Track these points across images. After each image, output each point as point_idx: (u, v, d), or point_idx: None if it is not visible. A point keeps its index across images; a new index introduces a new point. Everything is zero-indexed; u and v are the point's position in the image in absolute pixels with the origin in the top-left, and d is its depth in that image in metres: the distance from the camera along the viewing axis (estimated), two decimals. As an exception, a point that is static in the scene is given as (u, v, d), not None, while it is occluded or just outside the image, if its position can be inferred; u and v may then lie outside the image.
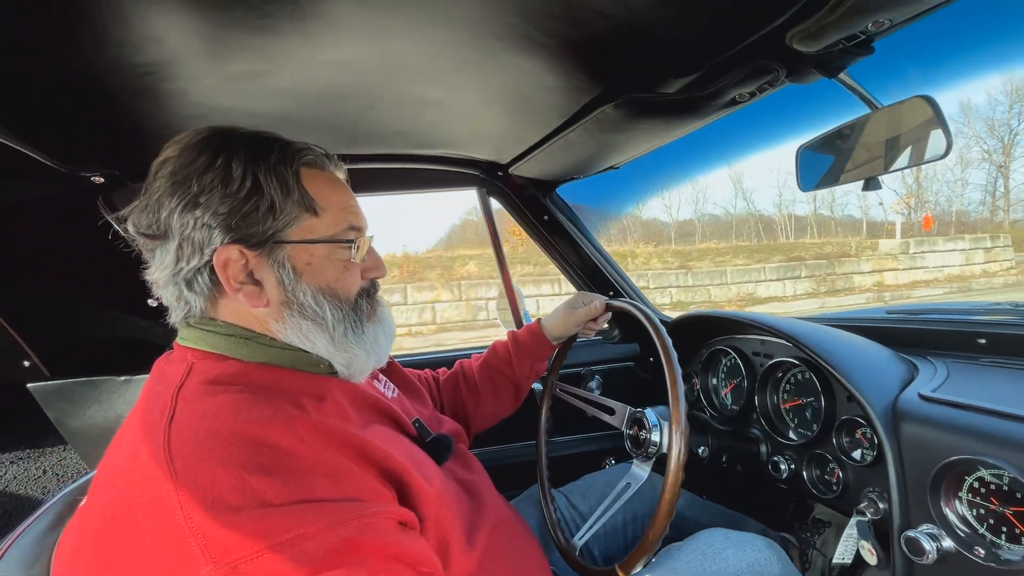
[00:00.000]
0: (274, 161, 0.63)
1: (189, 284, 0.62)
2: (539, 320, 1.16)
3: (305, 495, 0.49)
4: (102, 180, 1.12)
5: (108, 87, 0.80)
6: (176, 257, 0.61)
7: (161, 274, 0.63)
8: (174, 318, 0.66)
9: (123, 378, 1.31)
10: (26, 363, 1.26)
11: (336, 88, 0.91)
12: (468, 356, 1.19)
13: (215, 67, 0.78)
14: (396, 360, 0.98)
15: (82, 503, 0.60)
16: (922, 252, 15.13)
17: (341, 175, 0.73)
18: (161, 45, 0.70)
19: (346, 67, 0.83)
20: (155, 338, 1.34)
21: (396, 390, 0.86)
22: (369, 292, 0.73)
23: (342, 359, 0.68)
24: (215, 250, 0.60)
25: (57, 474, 1.38)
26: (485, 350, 1.18)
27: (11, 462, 1.34)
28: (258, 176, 0.61)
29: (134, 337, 1.33)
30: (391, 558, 0.50)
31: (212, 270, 0.61)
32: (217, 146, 0.62)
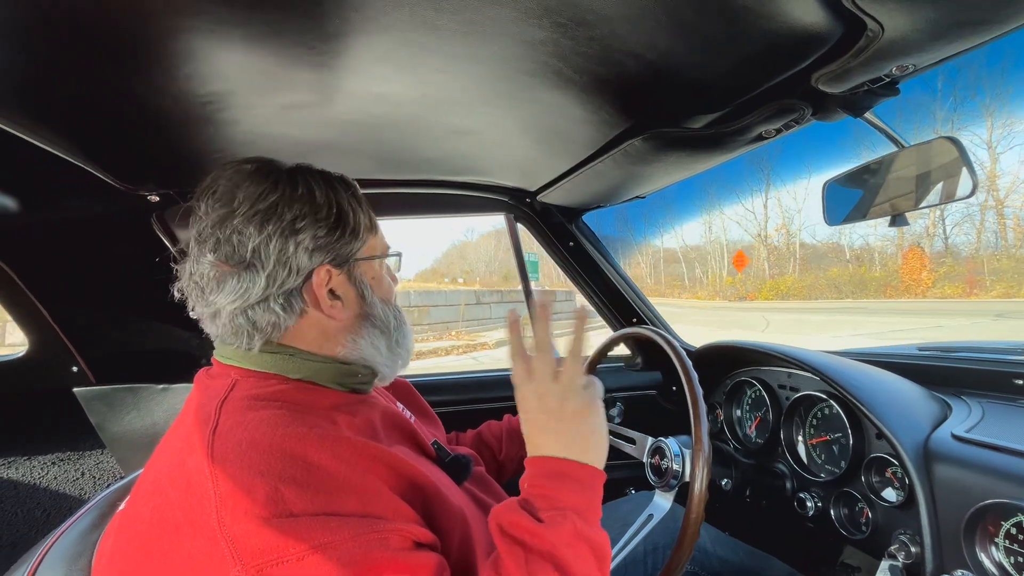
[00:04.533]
0: (346, 189, 0.71)
1: (284, 306, 0.64)
2: None
3: (331, 508, 0.51)
4: (157, 199, 1.20)
5: (171, 114, 0.87)
6: (268, 283, 0.63)
7: (239, 302, 0.63)
8: (249, 343, 0.65)
9: (162, 386, 1.36)
10: (74, 368, 1.33)
11: (375, 118, 0.97)
12: (497, 377, 1.18)
13: (268, 98, 0.85)
14: (427, 377, 1.01)
15: (121, 507, 0.63)
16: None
17: None
18: (223, 79, 0.76)
19: (385, 99, 0.88)
20: (193, 350, 1.40)
21: (413, 417, 0.88)
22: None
23: (390, 362, 0.74)
24: (311, 271, 0.65)
25: (94, 477, 1.43)
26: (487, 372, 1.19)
27: (52, 463, 1.40)
28: (340, 203, 0.68)
29: (174, 348, 1.39)
30: (406, 571, 0.51)
31: (302, 291, 0.66)
32: (289, 177, 0.67)
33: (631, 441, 1.07)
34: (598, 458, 0.64)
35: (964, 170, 0.72)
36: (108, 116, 0.86)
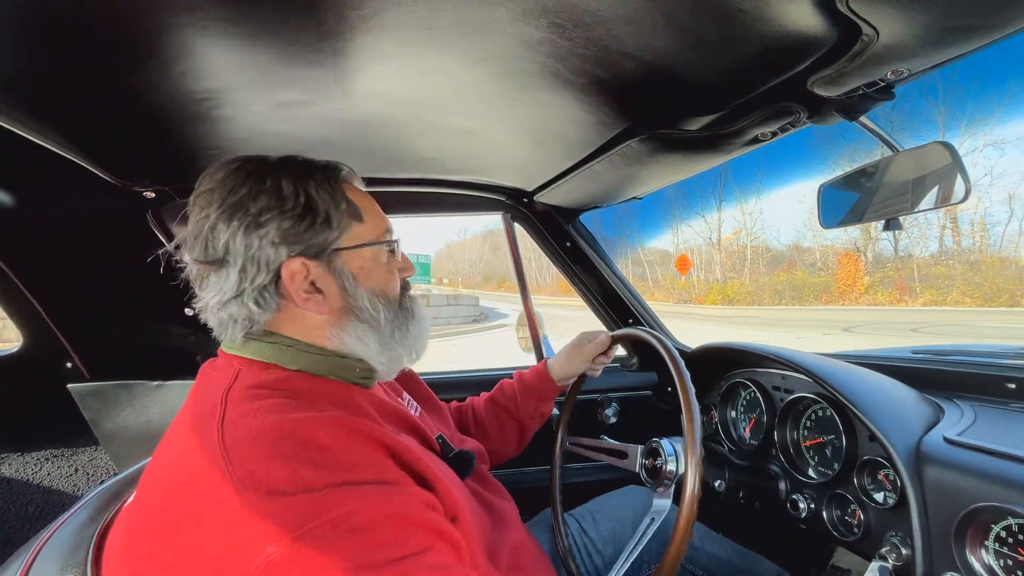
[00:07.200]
0: (320, 178, 0.69)
1: (257, 301, 0.65)
2: (546, 361, 1.17)
3: (349, 479, 0.52)
4: (153, 195, 1.20)
5: (168, 110, 0.86)
6: (240, 278, 0.64)
7: (218, 297, 0.65)
8: (232, 336, 0.67)
9: (156, 383, 1.36)
10: (68, 364, 1.32)
11: (373, 117, 0.96)
12: (496, 376, 1.18)
13: (264, 96, 0.84)
14: (421, 377, 1.01)
15: (128, 501, 0.63)
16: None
17: (363, 188, 0.78)
18: (220, 76, 0.76)
19: (383, 98, 0.88)
20: (189, 346, 1.40)
21: (419, 408, 0.88)
22: (405, 290, 0.77)
23: (386, 358, 0.72)
24: (281, 265, 0.65)
25: (88, 473, 1.43)
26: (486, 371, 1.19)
27: (46, 459, 1.40)
28: (309, 192, 0.66)
29: (169, 344, 1.39)
30: (434, 533, 0.53)
31: (277, 285, 0.66)
32: (260, 171, 0.67)
33: (622, 455, 1.05)
34: None
35: (958, 175, 0.72)
36: (104, 112, 0.86)
